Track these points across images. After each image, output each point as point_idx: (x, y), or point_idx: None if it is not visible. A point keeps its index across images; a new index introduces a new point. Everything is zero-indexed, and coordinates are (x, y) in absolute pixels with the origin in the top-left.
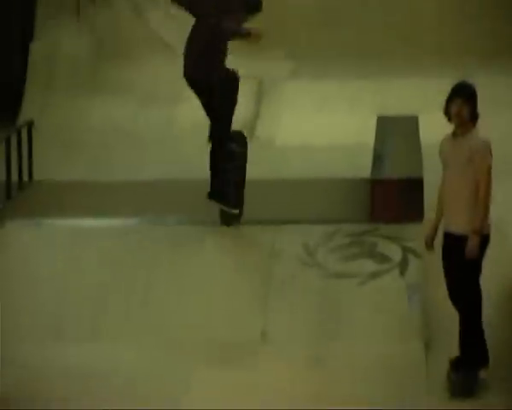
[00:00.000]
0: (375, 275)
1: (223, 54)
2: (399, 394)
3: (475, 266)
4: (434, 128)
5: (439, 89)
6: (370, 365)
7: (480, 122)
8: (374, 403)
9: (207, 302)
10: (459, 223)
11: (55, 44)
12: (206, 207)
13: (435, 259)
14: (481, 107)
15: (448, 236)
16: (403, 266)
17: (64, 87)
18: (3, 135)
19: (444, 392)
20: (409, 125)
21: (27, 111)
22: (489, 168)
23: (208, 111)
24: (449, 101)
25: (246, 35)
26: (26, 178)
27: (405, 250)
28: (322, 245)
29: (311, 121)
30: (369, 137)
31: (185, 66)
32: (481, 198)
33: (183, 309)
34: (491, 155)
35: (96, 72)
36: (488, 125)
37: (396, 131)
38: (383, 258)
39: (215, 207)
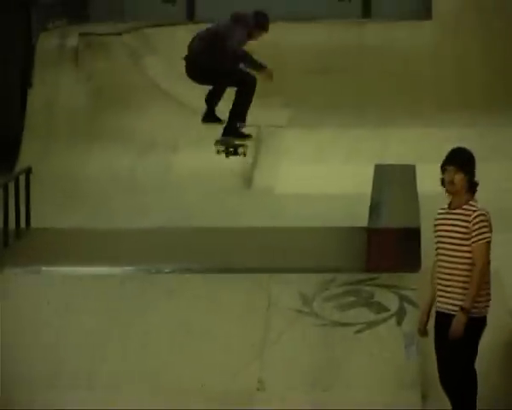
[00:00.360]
0: (371, 324)
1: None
2: None
3: (467, 349)
4: (432, 178)
5: (437, 138)
6: None
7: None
8: None
9: (204, 350)
10: (451, 302)
11: (54, 91)
12: (204, 255)
13: (432, 309)
14: (482, 155)
15: (439, 315)
16: (400, 315)
17: (62, 134)
18: (1, 181)
19: None
20: (406, 174)
21: (25, 158)
22: (487, 245)
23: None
24: (442, 168)
25: (260, 68)
26: (23, 225)
27: (402, 299)
28: (319, 294)
29: (308, 170)
30: (367, 186)
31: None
32: (475, 276)
33: (179, 357)
34: (490, 229)
35: (94, 119)
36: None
37: (393, 181)
38: (380, 307)
39: (212, 256)
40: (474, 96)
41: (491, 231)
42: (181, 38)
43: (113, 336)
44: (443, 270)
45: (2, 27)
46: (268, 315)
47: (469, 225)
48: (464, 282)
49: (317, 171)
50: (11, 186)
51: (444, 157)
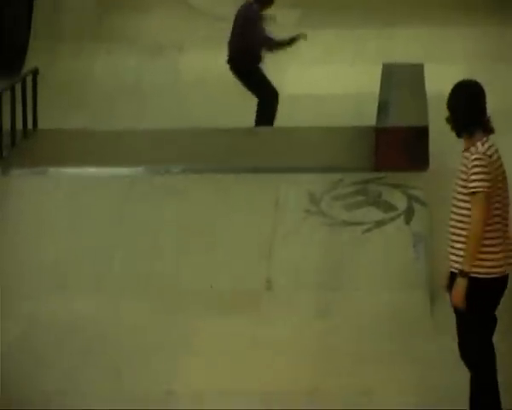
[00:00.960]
0: (380, 223)
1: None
2: (404, 343)
3: (475, 317)
4: (439, 77)
5: (445, 37)
6: (375, 314)
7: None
8: (379, 354)
9: (212, 251)
10: (454, 259)
11: None
12: (212, 156)
13: (441, 208)
14: (489, 55)
15: (451, 275)
16: (408, 214)
17: (69, 37)
18: (8, 83)
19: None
20: (414, 73)
21: (32, 61)
22: (483, 196)
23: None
24: None
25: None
26: (30, 126)
27: (411, 198)
28: (327, 193)
29: (316, 70)
30: (375, 86)
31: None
32: (468, 234)
33: (187, 258)
34: (486, 177)
35: (101, 21)
36: (495, 74)
37: (401, 80)
38: (388, 206)
39: (221, 156)
40: None
41: (491, 178)
42: None
43: (122, 237)
44: (450, 224)
45: None
46: (276, 215)
47: (468, 171)
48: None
49: (326, 71)
50: (18, 88)
51: (453, 57)
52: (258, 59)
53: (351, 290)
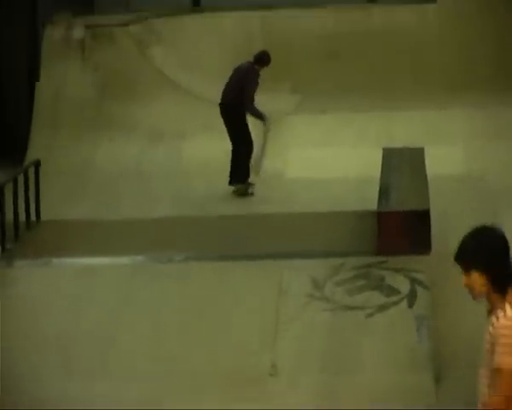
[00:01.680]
0: (383, 307)
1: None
2: None
3: None
4: (440, 160)
5: (445, 120)
6: (380, 396)
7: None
8: None
9: (217, 337)
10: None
11: (61, 83)
12: (214, 243)
13: (443, 291)
14: (489, 135)
15: None
16: (411, 298)
17: (70, 126)
18: (11, 175)
19: None
20: (415, 156)
21: (34, 150)
22: (506, 371)
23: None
24: None
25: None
26: (33, 217)
27: (413, 282)
28: (330, 278)
29: (317, 154)
30: (376, 170)
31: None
32: (491, 400)
33: (192, 344)
34: None
35: (101, 110)
36: (494, 154)
37: (402, 163)
38: (391, 290)
39: (223, 243)
40: (479, 77)
41: None
42: (186, 26)
43: (125, 326)
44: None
45: (8, 21)
46: (279, 300)
47: (493, 336)
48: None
49: (326, 155)
50: (20, 179)
51: (452, 138)
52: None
53: (355, 374)
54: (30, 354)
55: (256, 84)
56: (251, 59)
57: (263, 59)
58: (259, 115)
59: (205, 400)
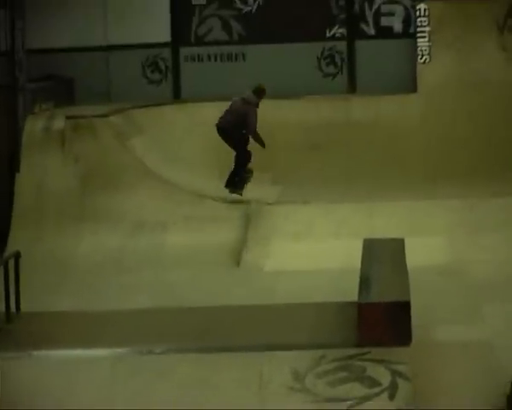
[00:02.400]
0: (364, 399)
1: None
2: None
3: None
4: (420, 250)
5: (426, 211)
6: None
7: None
8: None
9: None
10: None
11: (42, 175)
12: (195, 335)
13: (424, 382)
14: (471, 227)
15: None
16: (392, 389)
17: (51, 217)
18: None
19: None
20: (395, 247)
21: (15, 242)
22: None
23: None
24: None
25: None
26: (13, 309)
27: (394, 374)
28: (311, 370)
29: (298, 246)
30: (357, 261)
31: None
32: None
33: None
34: None
35: (83, 201)
36: (477, 245)
37: (382, 254)
38: (372, 382)
39: (204, 334)
40: (460, 167)
41: None
42: (167, 117)
43: None
44: None
45: None
46: (260, 392)
47: None
48: None
49: (307, 247)
50: (0, 271)
51: (433, 229)
52: (248, 139)
53: None
54: None
55: (256, 113)
56: (229, 151)
57: (262, 91)
58: (261, 141)
59: None
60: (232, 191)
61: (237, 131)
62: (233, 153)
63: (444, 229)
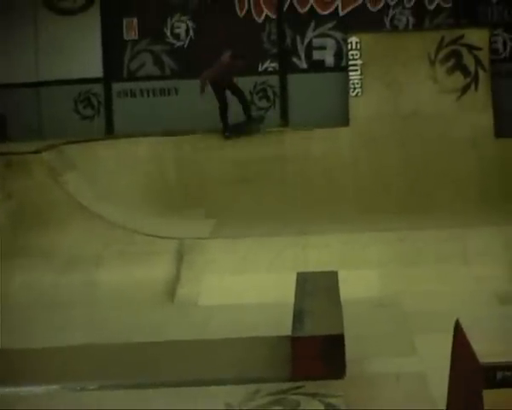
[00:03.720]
0: None
1: None
2: None
3: None
4: (354, 283)
5: (359, 243)
6: None
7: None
8: None
9: None
10: None
11: None
12: (129, 371)
13: None
14: (404, 259)
15: None
16: None
17: None
18: None
19: None
20: (328, 280)
21: None
22: None
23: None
24: None
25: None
26: None
27: (328, 407)
28: (245, 405)
29: (231, 280)
30: (290, 294)
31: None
32: None
33: None
34: None
35: (15, 238)
36: (409, 278)
37: (316, 288)
38: None
39: (137, 371)
40: (392, 200)
41: None
42: (100, 153)
43: None
44: None
45: None
46: None
47: None
48: None
49: (241, 281)
50: None
51: (366, 262)
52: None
53: None
54: None
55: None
56: (162, 187)
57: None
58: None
59: None
60: (232, 135)
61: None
62: None
63: (376, 261)
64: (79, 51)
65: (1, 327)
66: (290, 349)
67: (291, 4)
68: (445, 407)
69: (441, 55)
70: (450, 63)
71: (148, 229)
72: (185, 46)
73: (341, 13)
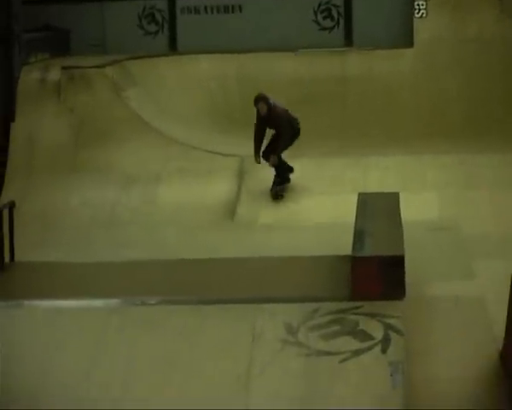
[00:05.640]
0: (356, 353)
1: None
2: None
3: None
4: (414, 206)
5: (419, 165)
6: None
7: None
8: None
9: (189, 381)
10: None
11: (36, 125)
12: (188, 287)
13: (417, 337)
14: (462, 182)
15: None
16: (385, 343)
17: (45, 168)
18: None
19: None
20: (390, 201)
21: (9, 192)
22: None
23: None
24: None
25: None
26: (7, 259)
27: (387, 328)
28: (304, 324)
29: (292, 200)
30: (351, 215)
31: None
32: None
33: (164, 390)
34: None
35: (76, 152)
36: (465, 200)
37: (377, 208)
38: (365, 336)
39: (197, 287)
40: (453, 123)
41: None
42: (162, 69)
43: (97, 369)
44: None
45: None
46: (252, 346)
47: None
48: None
49: (301, 200)
50: None
51: (425, 185)
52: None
53: None
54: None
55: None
56: (224, 104)
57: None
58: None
59: None
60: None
61: None
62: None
63: (435, 183)
64: None
65: (60, 241)
66: (350, 269)
67: None
68: (503, 333)
69: None
70: None
71: (210, 146)
72: None
73: None
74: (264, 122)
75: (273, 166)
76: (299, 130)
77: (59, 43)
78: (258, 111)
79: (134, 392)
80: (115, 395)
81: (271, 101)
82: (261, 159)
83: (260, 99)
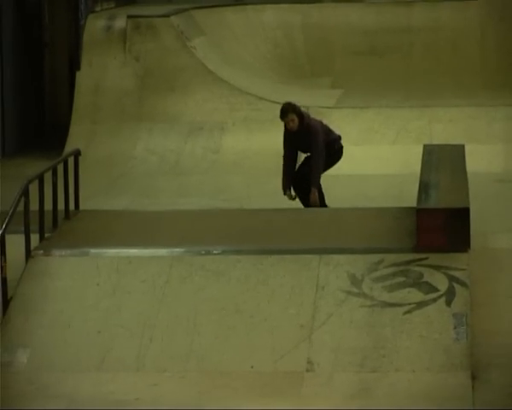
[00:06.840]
0: (420, 305)
1: None
2: None
3: None
4: (479, 158)
5: (485, 118)
6: (415, 395)
7: None
8: None
9: (252, 333)
10: None
11: (101, 74)
12: (252, 237)
13: (482, 288)
14: None
15: None
16: (449, 295)
17: (110, 116)
18: (50, 164)
19: None
20: (455, 153)
21: (74, 140)
22: None
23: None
24: None
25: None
26: (72, 207)
27: (452, 280)
28: (368, 275)
29: (356, 150)
30: (416, 166)
31: None
32: None
33: (227, 339)
34: None
35: (141, 101)
36: None
37: (442, 160)
38: (429, 287)
39: (261, 237)
40: None
41: None
42: (228, 18)
43: (162, 318)
44: None
45: (51, 10)
46: (317, 296)
47: None
48: None
49: (365, 151)
50: (60, 169)
51: (491, 137)
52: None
53: (391, 371)
54: (65, 343)
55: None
56: (288, 54)
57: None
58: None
59: (240, 395)
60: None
61: None
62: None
63: (501, 136)
64: None
65: (126, 190)
66: (415, 221)
67: None
68: None
69: None
70: None
71: (274, 96)
72: None
73: None
74: (295, 140)
75: (314, 204)
76: (341, 149)
77: None
78: (285, 126)
79: (199, 340)
80: (178, 345)
81: (304, 110)
82: (292, 192)
83: (289, 109)
